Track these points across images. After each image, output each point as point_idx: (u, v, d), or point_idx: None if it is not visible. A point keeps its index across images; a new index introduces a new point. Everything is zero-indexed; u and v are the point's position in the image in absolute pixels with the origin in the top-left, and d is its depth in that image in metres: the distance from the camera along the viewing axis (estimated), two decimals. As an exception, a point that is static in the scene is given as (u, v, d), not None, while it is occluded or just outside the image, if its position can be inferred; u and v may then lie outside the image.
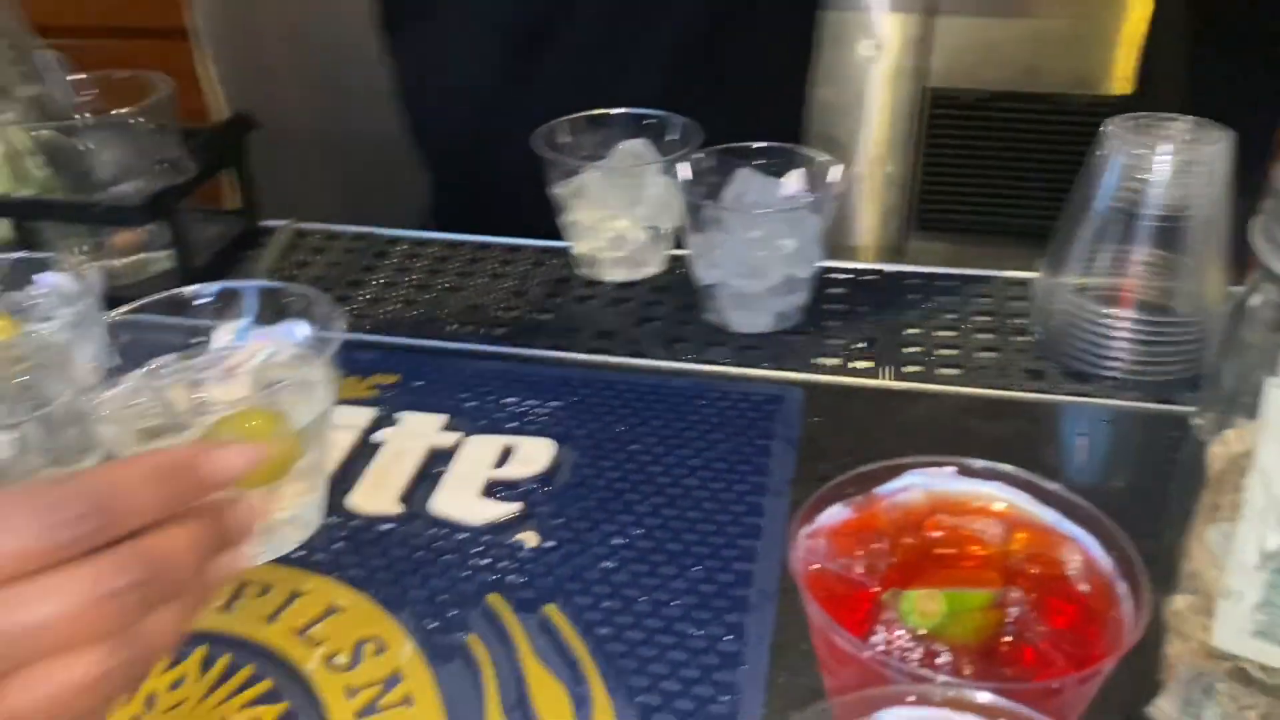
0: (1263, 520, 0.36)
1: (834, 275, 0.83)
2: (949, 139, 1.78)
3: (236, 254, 0.86)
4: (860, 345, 0.74)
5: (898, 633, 0.38)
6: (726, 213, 0.73)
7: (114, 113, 0.76)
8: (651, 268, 0.83)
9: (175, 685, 0.46)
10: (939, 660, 0.37)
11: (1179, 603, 0.41)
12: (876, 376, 0.70)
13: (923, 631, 0.38)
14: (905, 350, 0.73)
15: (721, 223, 0.73)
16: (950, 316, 0.78)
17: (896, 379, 0.70)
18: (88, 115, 0.79)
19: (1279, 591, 0.36)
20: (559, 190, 0.80)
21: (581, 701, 0.45)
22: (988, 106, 1.79)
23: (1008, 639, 0.38)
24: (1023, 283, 0.82)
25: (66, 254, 0.80)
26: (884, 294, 0.80)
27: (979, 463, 0.44)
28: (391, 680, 0.46)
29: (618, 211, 0.80)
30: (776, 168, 0.78)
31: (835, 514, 0.44)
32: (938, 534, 0.42)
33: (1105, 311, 0.69)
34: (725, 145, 0.78)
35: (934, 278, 0.83)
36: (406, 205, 1.04)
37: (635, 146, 0.82)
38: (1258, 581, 0.37)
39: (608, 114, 0.85)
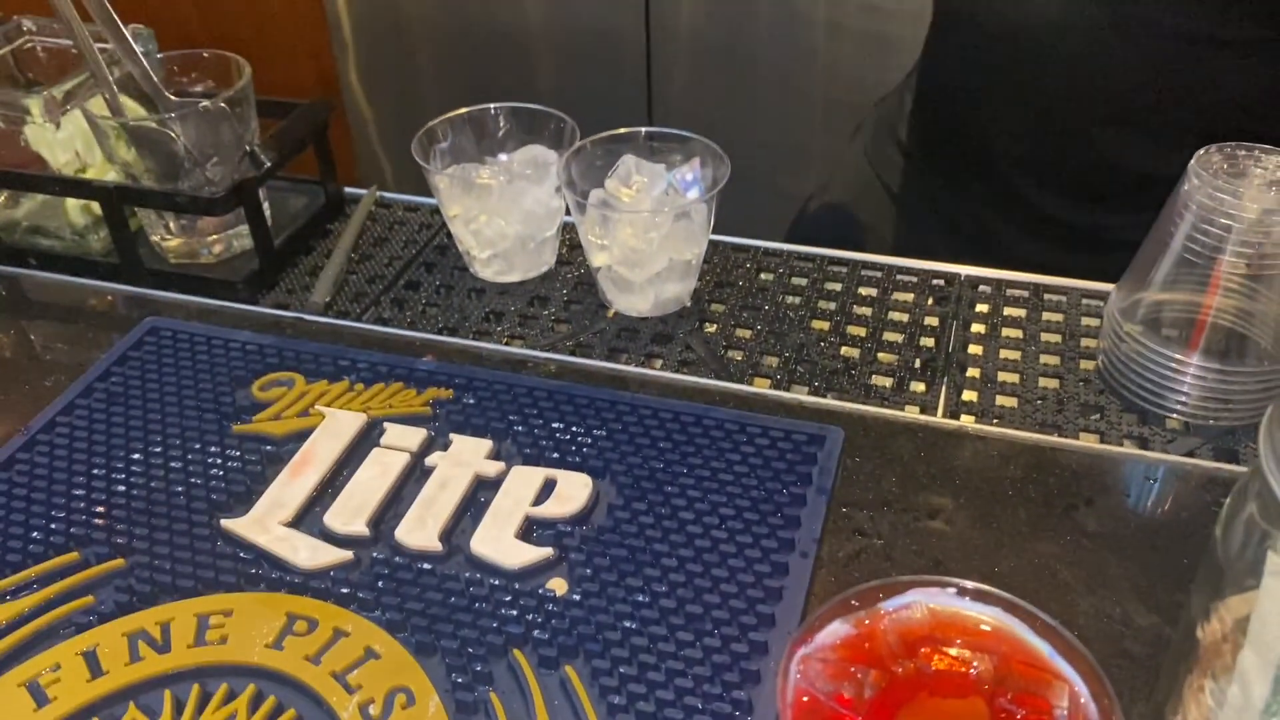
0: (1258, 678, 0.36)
1: (902, 278, 0.82)
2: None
3: (318, 228, 0.89)
4: (918, 363, 0.74)
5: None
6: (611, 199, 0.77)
7: (201, 105, 0.78)
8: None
9: (225, 723, 0.51)
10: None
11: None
12: (928, 408, 0.70)
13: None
14: (965, 373, 0.73)
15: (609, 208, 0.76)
16: (1015, 334, 0.76)
17: (947, 413, 0.69)
18: (174, 98, 0.82)
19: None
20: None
21: (588, 772, 0.48)
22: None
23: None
24: (1100, 296, 0.79)
25: (157, 234, 0.84)
26: (951, 304, 0.79)
27: (980, 587, 0.45)
28: (417, 735, 0.50)
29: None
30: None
31: (835, 631, 0.45)
32: (930, 663, 0.43)
33: (1173, 353, 0.67)
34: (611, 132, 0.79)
35: (1005, 284, 0.81)
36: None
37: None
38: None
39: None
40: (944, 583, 0.45)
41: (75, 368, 0.73)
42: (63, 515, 0.62)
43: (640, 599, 0.56)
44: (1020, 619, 0.44)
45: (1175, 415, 0.69)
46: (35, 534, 0.61)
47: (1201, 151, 0.66)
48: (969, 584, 0.45)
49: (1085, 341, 0.76)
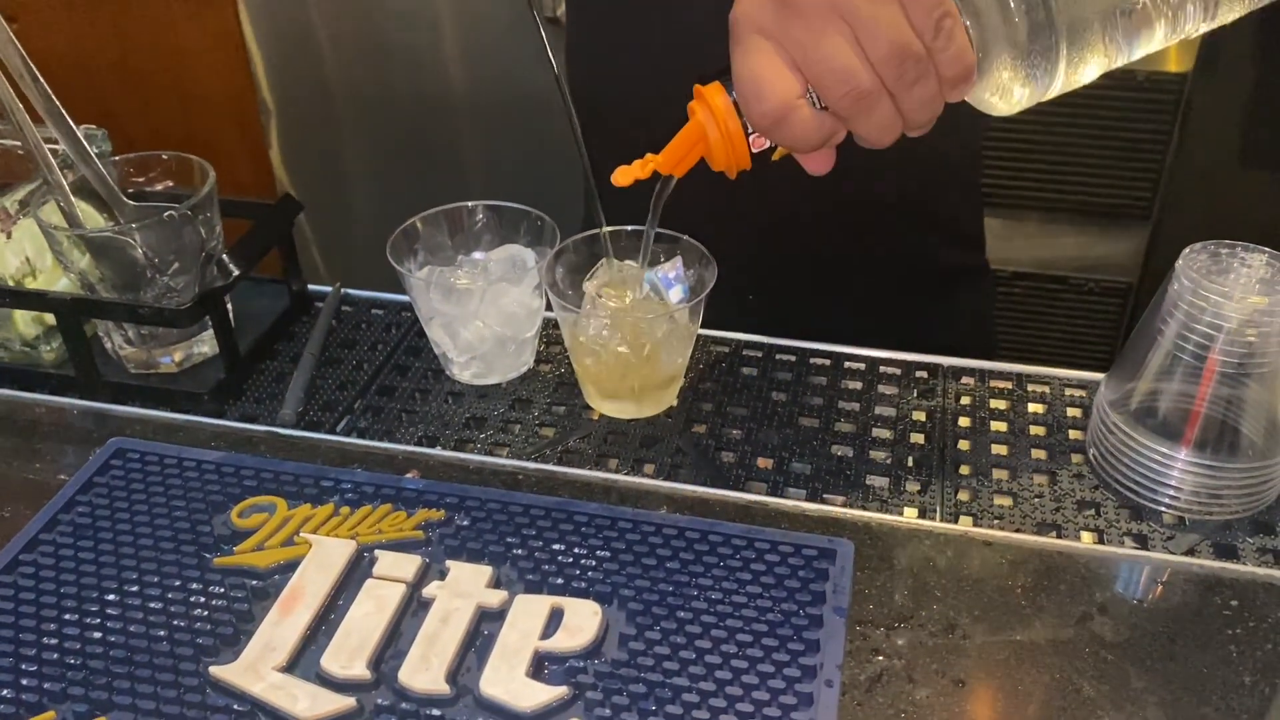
0: None
1: (886, 370, 0.81)
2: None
3: (282, 330, 0.85)
4: (910, 461, 0.73)
5: None
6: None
7: (166, 215, 0.74)
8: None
9: None
10: None
11: None
12: (927, 511, 0.69)
13: None
14: (958, 469, 0.72)
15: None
16: (1002, 428, 0.76)
17: (946, 515, 0.69)
18: (132, 202, 0.78)
19: None
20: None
21: None
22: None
23: None
24: (1080, 385, 0.80)
25: (113, 341, 0.80)
26: (938, 397, 0.79)
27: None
28: None
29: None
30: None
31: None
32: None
33: (1161, 446, 0.67)
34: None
35: (988, 374, 0.81)
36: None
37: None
38: None
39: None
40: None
41: (35, 495, 0.69)
42: (34, 669, 0.57)
43: (665, 741, 0.53)
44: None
45: (1167, 509, 0.69)
46: (4, 691, 0.56)
47: (1187, 251, 0.67)
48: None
49: (1072, 434, 0.76)
